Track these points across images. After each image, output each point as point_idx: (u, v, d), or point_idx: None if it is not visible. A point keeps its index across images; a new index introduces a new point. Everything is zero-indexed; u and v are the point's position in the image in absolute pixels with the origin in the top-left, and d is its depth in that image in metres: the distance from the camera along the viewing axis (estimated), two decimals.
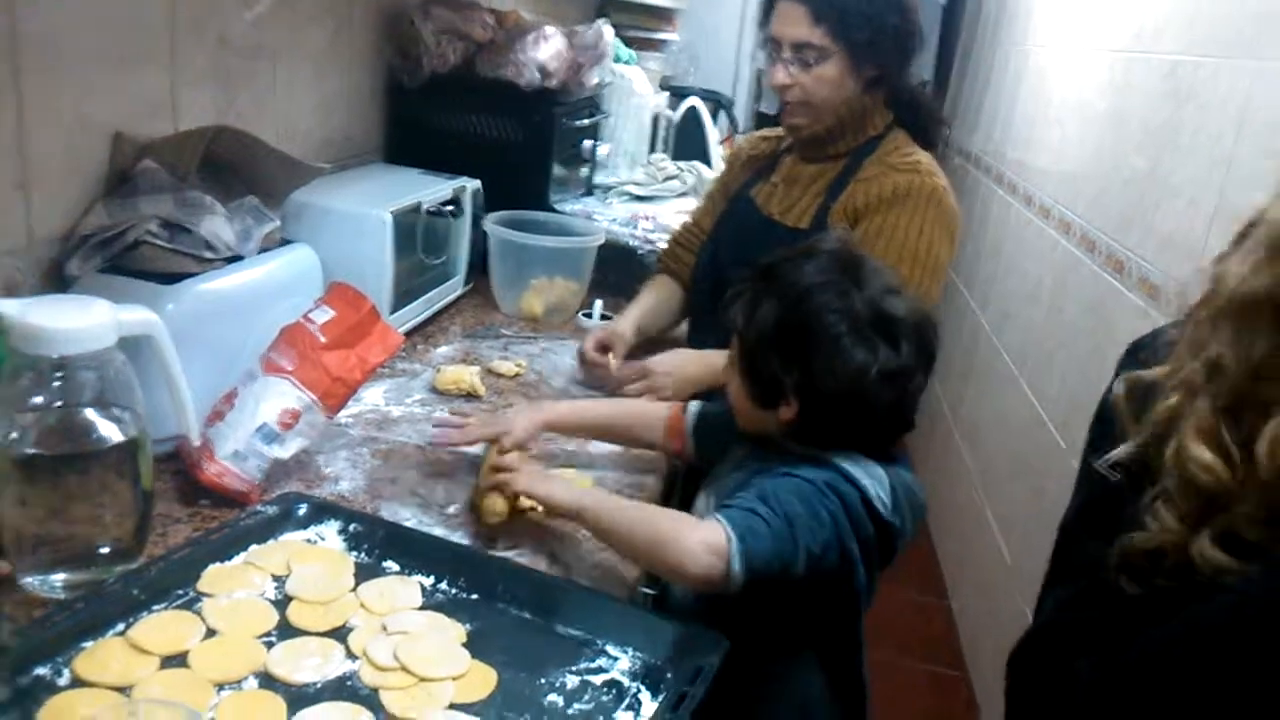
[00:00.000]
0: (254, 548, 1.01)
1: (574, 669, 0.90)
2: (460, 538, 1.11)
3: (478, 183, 1.84)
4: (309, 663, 0.86)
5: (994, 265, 3.24)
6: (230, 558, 0.99)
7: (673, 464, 1.38)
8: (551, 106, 2.03)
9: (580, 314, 1.89)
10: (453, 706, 0.83)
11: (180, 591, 0.93)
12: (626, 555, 1.06)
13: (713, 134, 3.24)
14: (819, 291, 1.02)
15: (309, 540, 1.04)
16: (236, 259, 1.25)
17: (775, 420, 1.06)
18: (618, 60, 2.60)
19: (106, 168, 1.26)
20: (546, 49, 1.98)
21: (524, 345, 1.74)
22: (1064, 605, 0.79)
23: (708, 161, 2.96)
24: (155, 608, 0.90)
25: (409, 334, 1.67)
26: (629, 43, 2.97)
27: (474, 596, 0.98)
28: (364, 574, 0.99)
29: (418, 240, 1.64)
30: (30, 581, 0.92)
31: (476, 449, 1.26)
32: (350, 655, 0.88)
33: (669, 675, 0.89)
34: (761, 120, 4.24)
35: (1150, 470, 0.71)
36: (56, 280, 1.19)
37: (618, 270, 1.97)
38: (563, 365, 1.67)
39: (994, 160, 3.55)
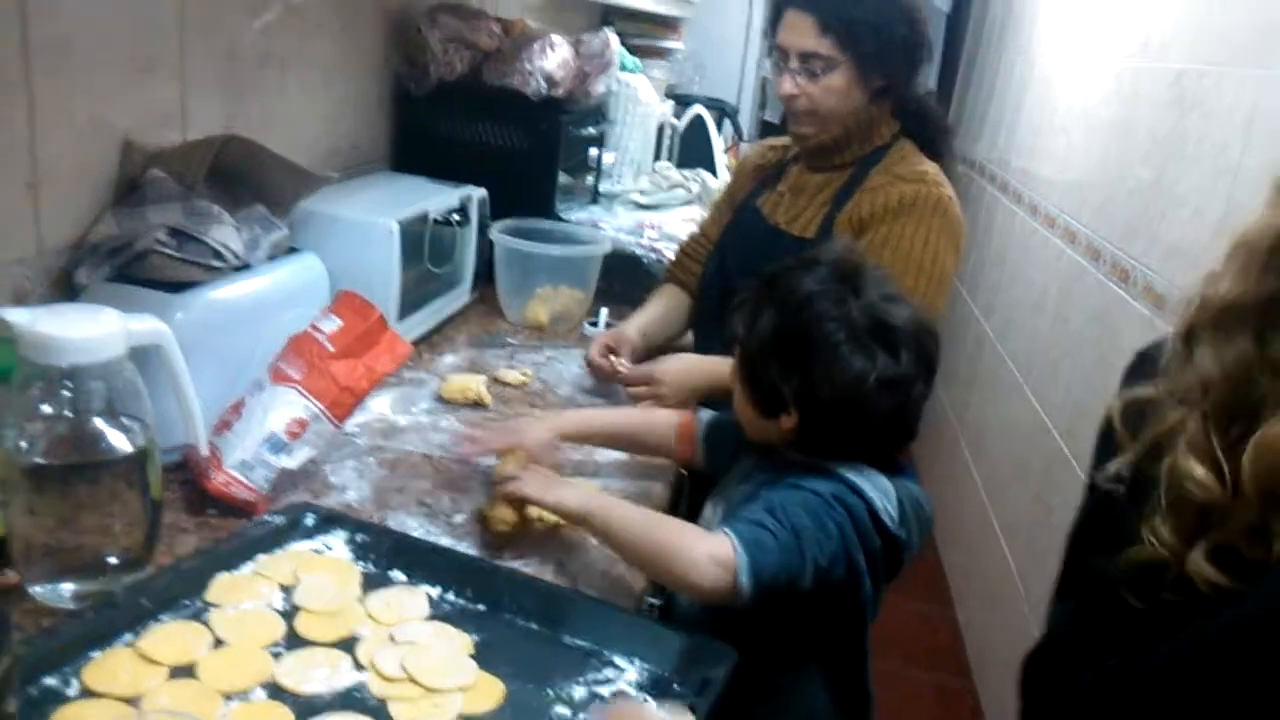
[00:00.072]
0: (261, 557, 1.01)
1: (581, 680, 0.90)
2: (467, 547, 1.11)
3: (484, 191, 1.84)
4: (317, 674, 0.86)
5: (999, 274, 3.24)
6: (238, 568, 0.99)
7: (680, 472, 1.38)
8: (557, 115, 2.03)
9: (586, 323, 1.89)
10: (461, 718, 0.83)
11: (188, 602, 0.93)
12: (632, 563, 1.06)
13: (718, 142, 3.25)
14: (817, 300, 1.02)
15: (316, 550, 1.04)
16: (244, 268, 1.26)
17: (778, 429, 1.06)
18: (623, 69, 2.60)
19: (116, 172, 1.26)
20: (553, 58, 1.99)
21: (530, 354, 1.74)
22: (1071, 619, 0.79)
23: (713, 170, 2.97)
24: (163, 618, 0.90)
25: (415, 343, 1.67)
26: (634, 51, 2.98)
27: (481, 607, 0.98)
28: (371, 584, 0.99)
29: (424, 249, 1.64)
30: (39, 591, 0.92)
31: (490, 459, 1.26)
32: (358, 666, 0.88)
33: (676, 686, 0.89)
34: (766, 128, 4.25)
35: (1150, 484, 0.71)
36: (65, 289, 1.19)
37: (623, 279, 1.97)
38: (568, 374, 1.67)
39: (999, 168, 3.54)
